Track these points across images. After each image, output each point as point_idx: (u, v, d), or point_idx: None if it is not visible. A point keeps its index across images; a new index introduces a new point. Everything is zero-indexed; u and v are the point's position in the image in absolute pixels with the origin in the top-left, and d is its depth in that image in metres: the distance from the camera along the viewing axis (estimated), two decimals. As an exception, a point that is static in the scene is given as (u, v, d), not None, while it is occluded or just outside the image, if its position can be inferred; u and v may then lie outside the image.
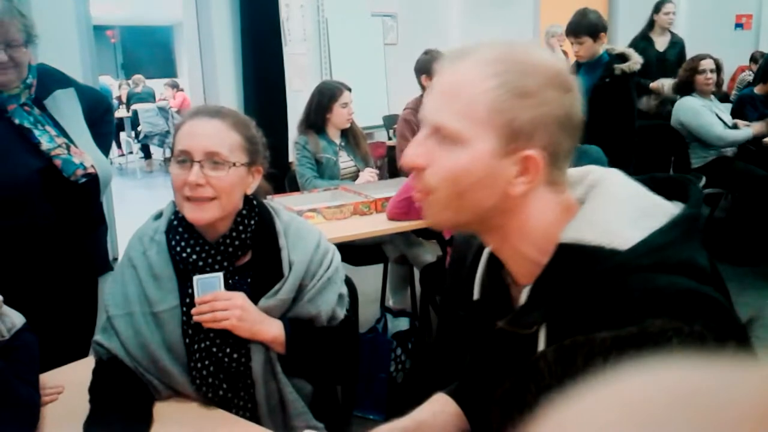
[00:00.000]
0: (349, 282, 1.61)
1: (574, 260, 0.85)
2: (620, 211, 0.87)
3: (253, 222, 1.42)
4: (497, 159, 0.86)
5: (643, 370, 0.28)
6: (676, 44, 5.25)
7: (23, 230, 1.77)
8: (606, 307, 0.80)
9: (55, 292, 1.79)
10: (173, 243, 1.40)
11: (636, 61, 3.70)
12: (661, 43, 5.23)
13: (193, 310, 1.34)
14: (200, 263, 1.38)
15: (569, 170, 0.94)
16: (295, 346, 1.38)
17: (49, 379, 1.45)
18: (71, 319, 1.82)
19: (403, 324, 2.84)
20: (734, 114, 4.49)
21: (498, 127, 0.85)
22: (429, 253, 3.18)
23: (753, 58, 6.90)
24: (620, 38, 6.43)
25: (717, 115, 4.25)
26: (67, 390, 1.43)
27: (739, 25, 7.88)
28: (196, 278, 1.36)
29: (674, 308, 0.78)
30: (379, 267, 3.54)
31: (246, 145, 1.38)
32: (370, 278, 3.64)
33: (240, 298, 1.35)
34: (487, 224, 0.91)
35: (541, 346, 0.88)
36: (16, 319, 1.40)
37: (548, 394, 0.50)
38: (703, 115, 4.21)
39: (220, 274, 1.37)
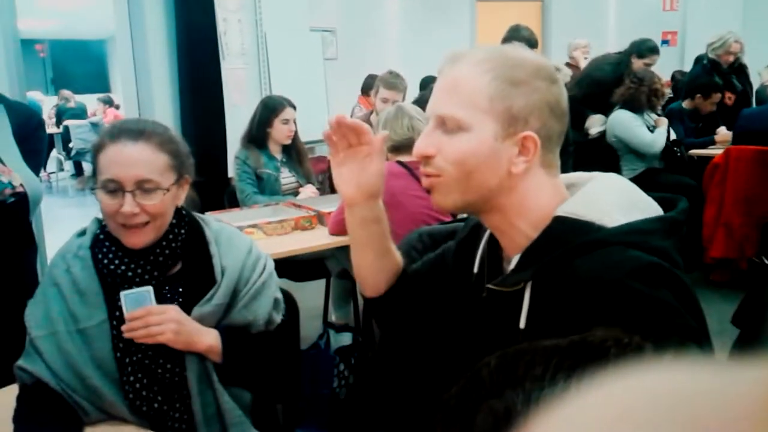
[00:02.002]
0: (288, 296, 1.60)
1: (565, 230, 0.95)
2: (614, 198, 0.99)
3: (183, 231, 1.41)
4: (499, 141, 0.97)
5: (635, 374, 0.28)
6: None
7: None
8: (584, 271, 0.91)
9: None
10: (100, 256, 1.36)
11: (566, 73, 3.84)
12: None
13: (124, 327, 1.29)
14: (129, 274, 1.35)
15: (576, 173, 1.07)
16: (231, 354, 1.36)
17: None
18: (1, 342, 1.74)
19: (346, 339, 2.82)
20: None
21: (498, 113, 0.96)
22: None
23: (673, 77, 7.19)
24: (553, 54, 6.63)
25: (647, 126, 4.45)
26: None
27: (665, 42, 8.24)
28: (123, 294, 1.31)
29: (644, 275, 0.88)
30: (322, 282, 3.52)
31: (173, 162, 1.36)
32: (312, 294, 3.61)
33: (174, 310, 1.32)
34: (490, 204, 1.01)
35: (525, 305, 0.97)
36: None
37: (488, 402, 0.51)
38: (634, 126, 4.38)
39: (150, 288, 1.33)
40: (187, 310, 1.36)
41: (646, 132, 4.36)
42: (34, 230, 1.98)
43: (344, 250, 3.14)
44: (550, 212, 0.98)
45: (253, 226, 2.75)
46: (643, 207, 1.00)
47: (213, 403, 1.36)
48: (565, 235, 0.95)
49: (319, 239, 2.77)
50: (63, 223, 6.23)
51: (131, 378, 1.34)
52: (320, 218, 2.91)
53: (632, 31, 5.77)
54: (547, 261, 0.95)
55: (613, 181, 1.05)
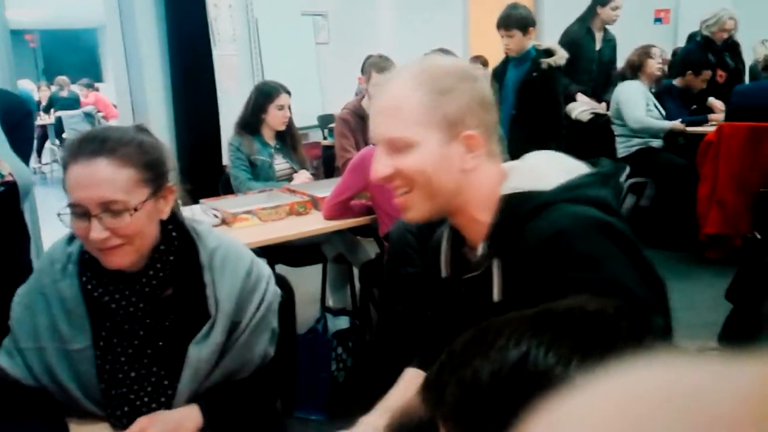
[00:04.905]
0: (286, 285, 1.57)
1: (512, 205, 1.07)
2: (548, 165, 1.12)
3: (171, 257, 1.28)
4: (446, 146, 1.07)
5: (631, 370, 0.28)
6: (610, 41, 4.94)
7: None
8: (531, 235, 1.02)
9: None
10: (85, 279, 1.27)
11: (561, 55, 3.81)
12: (597, 39, 4.87)
13: None
14: (113, 305, 1.25)
15: (514, 161, 1.17)
16: (214, 422, 1.29)
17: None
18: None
19: (343, 323, 2.84)
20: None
21: (437, 122, 1.06)
22: (367, 251, 3.19)
23: (674, 54, 7.16)
24: (546, 35, 6.60)
25: (651, 104, 4.48)
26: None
27: (658, 20, 8.20)
28: None
29: (579, 230, 1.00)
30: (318, 267, 3.53)
31: (145, 175, 1.20)
32: (309, 278, 3.62)
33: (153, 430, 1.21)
34: (455, 204, 1.11)
35: (496, 280, 1.07)
36: None
37: (460, 372, 0.52)
38: (634, 96, 4.41)
39: None
40: (179, 344, 1.27)
41: (641, 107, 4.38)
42: (26, 221, 1.97)
43: (339, 234, 3.15)
44: (498, 195, 1.09)
45: (248, 212, 2.75)
46: (575, 170, 1.10)
47: None
48: (514, 209, 1.06)
49: (314, 224, 2.77)
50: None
51: (117, 412, 1.27)
52: (315, 203, 2.91)
53: (625, 9, 5.75)
54: (504, 236, 1.06)
55: (545, 153, 1.16)
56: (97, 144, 1.18)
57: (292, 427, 1.75)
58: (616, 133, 4.56)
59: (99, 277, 1.26)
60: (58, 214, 1.19)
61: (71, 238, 1.32)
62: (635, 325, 0.53)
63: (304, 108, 5.24)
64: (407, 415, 1.20)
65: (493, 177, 1.11)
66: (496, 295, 1.06)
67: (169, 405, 1.28)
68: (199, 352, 1.27)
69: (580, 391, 0.29)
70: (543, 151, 1.17)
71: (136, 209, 1.18)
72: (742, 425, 0.23)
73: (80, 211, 1.17)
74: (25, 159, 1.91)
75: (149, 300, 1.27)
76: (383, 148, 1.11)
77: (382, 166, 1.10)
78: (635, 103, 4.40)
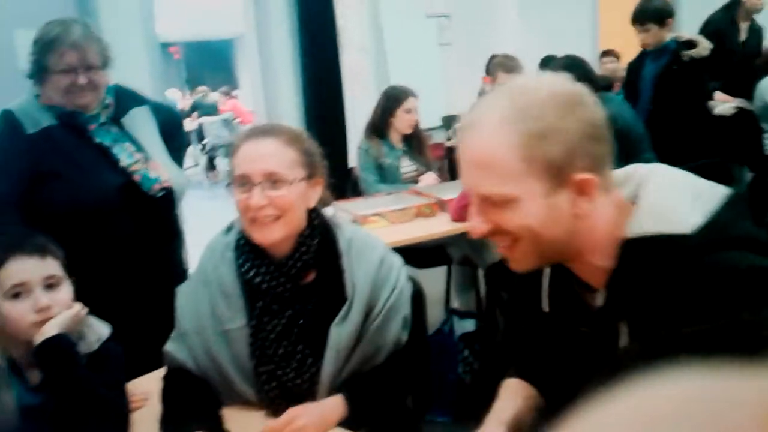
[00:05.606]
0: (415, 284, 1.62)
1: (642, 252, 0.89)
2: (675, 198, 0.92)
3: (315, 241, 1.42)
4: (552, 197, 0.90)
5: (658, 381, 0.29)
6: (757, 32, 4.59)
7: (106, 244, 1.86)
8: (683, 291, 0.84)
9: (137, 303, 1.87)
10: (240, 262, 1.42)
11: (705, 47, 3.57)
12: (742, 29, 4.53)
13: None
14: (264, 285, 1.39)
15: (622, 170, 1.00)
16: (356, 411, 1.37)
17: (134, 387, 1.50)
18: (153, 328, 1.90)
19: (469, 325, 2.84)
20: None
21: (538, 171, 0.89)
22: (493, 253, 3.16)
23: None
24: (685, 26, 6.23)
25: None
26: (152, 397, 1.48)
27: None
28: None
29: (745, 284, 0.83)
30: (443, 269, 3.54)
31: (303, 159, 1.39)
32: (434, 280, 3.64)
33: (300, 420, 1.30)
34: (566, 252, 0.97)
35: (624, 340, 0.93)
36: (102, 329, 1.44)
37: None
38: None
39: None
40: (321, 326, 1.38)
41: None
42: (180, 222, 2.13)
43: (465, 236, 3.14)
44: (618, 234, 0.92)
45: (377, 214, 2.82)
46: (707, 194, 0.93)
47: None
48: (644, 258, 0.89)
49: (440, 226, 2.79)
50: (200, 215, 6.64)
51: (264, 385, 1.39)
52: (441, 205, 2.93)
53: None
54: (632, 290, 0.90)
55: (668, 178, 0.97)
56: (266, 128, 1.41)
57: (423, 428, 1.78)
58: (765, 130, 4.23)
59: (252, 260, 1.40)
60: (227, 185, 1.39)
61: (228, 230, 1.49)
62: None
63: (427, 109, 5.28)
64: (522, 425, 1.15)
65: (612, 214, 0.94)
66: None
67: (313, 382, 1.38)
68: (340, 333, 1.37)
69: (612, 402, 0.29)
70: (658, 170, 0.99)
71: (294, 181, 1.35)
72: None
73: (245, 182, 1.34)
74: (179, 165, 2.08)
75: (295, 282, 1.40)
76: (478, 201, 0.96)
77: (478, 221, 0.96)
78: None
